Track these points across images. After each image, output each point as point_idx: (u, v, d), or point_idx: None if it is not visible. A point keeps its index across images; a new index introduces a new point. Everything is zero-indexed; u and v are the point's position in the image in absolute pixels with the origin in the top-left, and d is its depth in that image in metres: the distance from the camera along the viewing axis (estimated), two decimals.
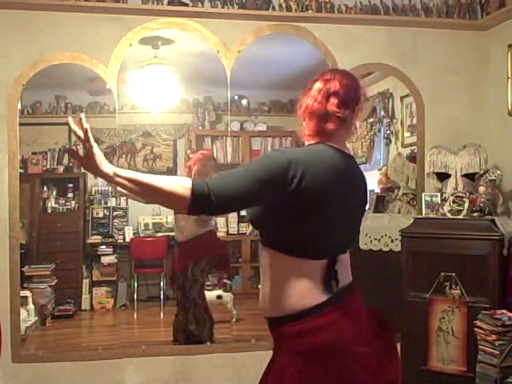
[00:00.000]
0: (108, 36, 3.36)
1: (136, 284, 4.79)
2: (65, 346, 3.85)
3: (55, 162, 4.94)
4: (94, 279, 4.81)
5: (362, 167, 4.50)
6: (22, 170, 3.80)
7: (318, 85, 1.73)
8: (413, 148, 3.87)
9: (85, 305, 4.70)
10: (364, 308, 1.74)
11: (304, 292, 1.61)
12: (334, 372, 1.58)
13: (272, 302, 1.66)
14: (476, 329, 2.92)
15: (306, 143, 1.73)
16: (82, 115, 1.52)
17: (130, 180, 1.52)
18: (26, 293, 3.85)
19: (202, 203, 1.49)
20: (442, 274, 3.13)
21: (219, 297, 4.35)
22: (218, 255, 4.16)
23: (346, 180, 1.66)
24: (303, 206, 1.57)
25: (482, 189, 3.36)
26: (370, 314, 1.75)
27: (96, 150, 1.50)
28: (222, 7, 3.50)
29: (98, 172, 1.53)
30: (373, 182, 4.19)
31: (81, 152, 1.55)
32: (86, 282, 4.77)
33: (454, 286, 3.11)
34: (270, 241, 1.66)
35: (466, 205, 3.27)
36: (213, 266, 4.11)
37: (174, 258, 4.36)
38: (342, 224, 1.66)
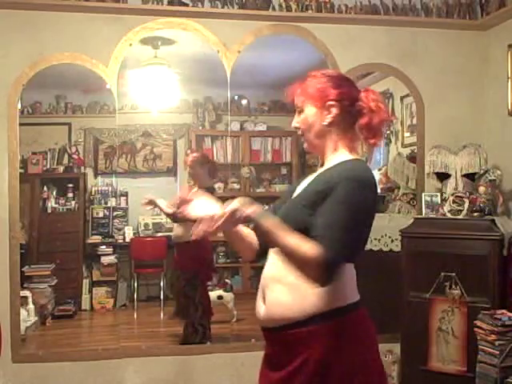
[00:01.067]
0: (108, 36, 3.36)
1: (136, 284, 4.80)
2: (65, 346, 3.85)
3: (55, 162, 4.94)
4: (94, 279, 4.81)
5: None
6: (22, 170, 3.80)
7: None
8: (413, 148, 3.87)
9: (85, 305, 4.70)
10: None
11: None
12: None
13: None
14: (476, 329, 2.92)
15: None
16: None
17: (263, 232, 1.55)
18: (26, 293, 3.86)
19: (329, 274, 1.51)
20: (442, 273, 3.13)
21: (220, 297, 4.35)
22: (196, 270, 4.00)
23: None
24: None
25: (481, 189, 3.36)
26: None
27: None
28: (222, 7, 3.50)
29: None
30: None
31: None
32: (85, 282, 4.77)
33: (453, 286, 3.11)
34: None
35: (466, 205, 3.27)
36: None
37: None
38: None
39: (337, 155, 1.68)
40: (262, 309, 1.69)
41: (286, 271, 1.59)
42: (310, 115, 1.68)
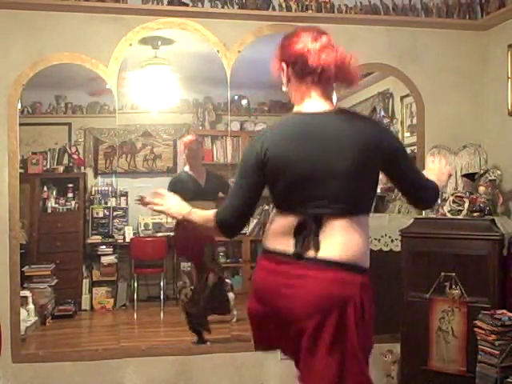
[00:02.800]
0: (108, 36, 3.36)
1: (136, 284, 4.80)
2: (65, 346, 3.84)
3: (55, 162, 4.94)
4: (94, 279, 4.80)
5: None
6: (22, 170, 3.80)
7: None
8: (413, 148, 3.87)
9: (85, 305, 4.70)
10: (317, 285, 1.70)
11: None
12: None
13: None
14: (476, 329, 2.92)
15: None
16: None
17: (191, 222, 1.91)
18: (26, 293, 3.85)
19: (225, 230, 1.86)
20: (442, 273, 3.13)
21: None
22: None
23: (304, 140, 1.74)
24: (272, 174, 1.76)
25: (481, 189, 3.36)
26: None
27: (166, 203, 1.95)
28: (222, 7, 3.50)
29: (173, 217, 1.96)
30: None
31: None
32: (85, 282, 4.77)
33: (454, 286, 3.11)
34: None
35: (466, 205, 3.27)
36: None
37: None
38: (314, 181, 1.72)
39: None
40: None
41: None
42: (279, 77, 1.93)
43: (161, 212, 1.97)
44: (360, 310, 1.70)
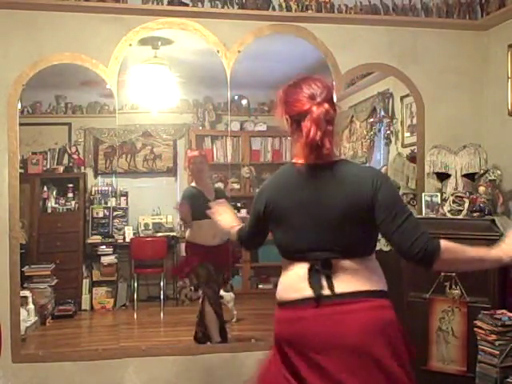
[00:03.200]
0: (108, 36, 3.36)
1: (136, 284, 4.80)
2: (65, 346, 3.85)
3: (55, 162, 4.95)
4: (94, 279, 4.81)
5: None
6: (22, 170, 3.81)
7: None
8: (413, 148, 3.87)
9: (85, 305, 4.71)
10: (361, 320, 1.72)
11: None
12: None
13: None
14: (476, 329, 2.92)
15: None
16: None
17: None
18: (26, 293, 3.86)
19: (245, 247, 2.31)
20: (442, 273, 3.13)
21: (220, 297, 4.34)
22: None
23: (303, 190, 1.78)
24: (272, 221, 1.85)
25: (481, 189, 3.36)
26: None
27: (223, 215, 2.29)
28: (222, 7, 3.50)
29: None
30: None
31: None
32: (86, 282, 4.77)
33: (454, 286, 3.11)
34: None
35: (466, 205, 3.27)
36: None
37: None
38: (308, 229, 1.76)
39: None
40: None
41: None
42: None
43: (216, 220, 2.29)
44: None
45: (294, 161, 1.84)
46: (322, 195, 1.75)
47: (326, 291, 1.71)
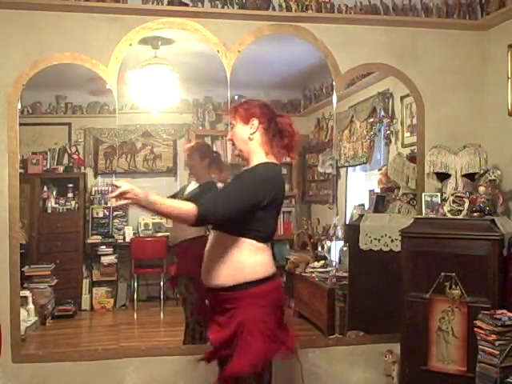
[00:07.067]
0: (108, 36, 3.36)
1: (136, 284, 4.79)
2: (65, 346, 3.84)
3: (55, 162, 4.94)
4: (94, 279, 4.81)
5: (362, 167, 4.48)
6: (21, 170, 3.80)
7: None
8: (413, 148, 3.87)
9: (85, 305, 4.70)
10: None
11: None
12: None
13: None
14: (476, 329, 2.92)
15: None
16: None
17: (153, 210, 2.13)
18: (26, 293, 3.85)
19: (202, 222, 2.17)
20: (442, 273, 3.13)
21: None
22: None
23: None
24: (268, 209, 2.25)
25: (481, 189, 3.36)
26: None
27: (129, 193, 2.05)
28: (222, 7, 3.50)
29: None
30: (373, 182, 4.19)
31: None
32: (86, 282, 4.77)
33: (453, 286, 3.11)
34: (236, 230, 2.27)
35: (466, 205, 3.27)
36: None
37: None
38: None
39: (256, 159, 2.33)
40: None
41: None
42: (237, 128, 2.34)
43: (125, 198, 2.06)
44: None
45: (271, 160, 2.34)
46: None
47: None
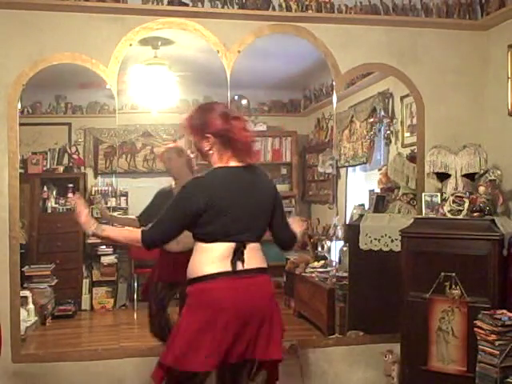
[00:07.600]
0: (108, 36, 3.36)
1: (136, 284, 4.79)
2: (65, 346, 3.84)
3: (55, 162, 4.94)
4: (94, 279, 4.80)
5: (362, 167, 4.46)
6: (22, 170, 3.80)
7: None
8: (413, 148, 3.87)
9: (85, 305, 4.70)
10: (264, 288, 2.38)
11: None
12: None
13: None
14: (476, 329, 2.92)
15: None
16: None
17: (103, 238, 2.60)
18: (26, 293, 3.85)
19: (149, 248, 2.39)
20: (442, 273, 3.13)
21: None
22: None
23: (237, 188, 2.33)
24: (208, 214, 2.28)
25: (481, 189, 3.36)
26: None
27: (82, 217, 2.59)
28: (222, 7, 3.50)
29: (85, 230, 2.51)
30: (373, 182, 4.20)
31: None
32: (85, 282, 4.77)
33: (454, 286, 3.11)
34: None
35: (466, 205, 3.27)
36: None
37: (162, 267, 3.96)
38: (239, 218, 2.30)
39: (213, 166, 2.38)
40: None
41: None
42: (196, 143, 2.40)
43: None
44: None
45: (221, 165, 2.35)
46: (251, 192, 2.35)
47: (240, 267, 2.28)
